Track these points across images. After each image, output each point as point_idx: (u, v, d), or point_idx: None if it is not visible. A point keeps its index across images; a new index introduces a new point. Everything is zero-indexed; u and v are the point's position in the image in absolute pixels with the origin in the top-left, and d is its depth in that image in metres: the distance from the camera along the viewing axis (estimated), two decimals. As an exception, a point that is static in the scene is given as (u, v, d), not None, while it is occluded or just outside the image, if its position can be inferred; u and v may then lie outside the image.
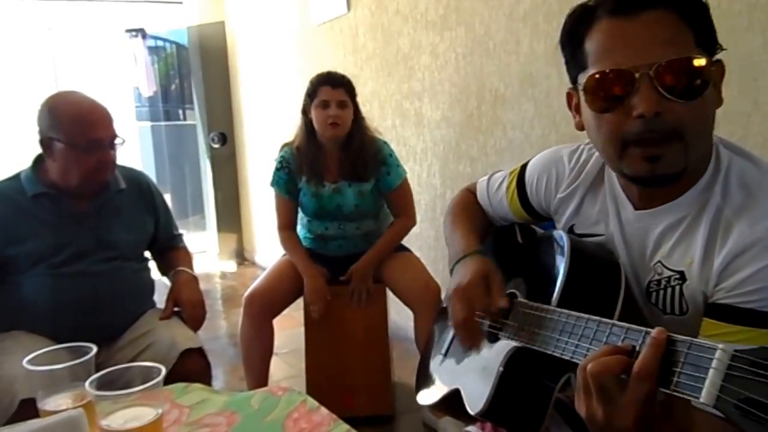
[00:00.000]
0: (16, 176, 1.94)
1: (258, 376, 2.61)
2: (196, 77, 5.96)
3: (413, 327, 2.57)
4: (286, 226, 2.73)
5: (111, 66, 5.80)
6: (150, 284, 2.13)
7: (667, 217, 0.99)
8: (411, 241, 2.79)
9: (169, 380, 1.31)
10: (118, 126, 1.95)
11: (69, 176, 1.88)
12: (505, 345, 1.08)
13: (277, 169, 2.67)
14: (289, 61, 4.76)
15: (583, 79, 0.96)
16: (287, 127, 3.53)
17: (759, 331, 0.84)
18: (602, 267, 1.05)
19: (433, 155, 3.34)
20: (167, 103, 8.40)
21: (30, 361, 1.05)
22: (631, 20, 0.90)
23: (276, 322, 2.64)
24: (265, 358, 2.63)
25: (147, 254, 2.16)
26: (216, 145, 5.87)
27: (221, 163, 5.98)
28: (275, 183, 2.69)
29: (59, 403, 1.01)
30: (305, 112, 2.62)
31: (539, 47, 2.54)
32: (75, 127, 1.84)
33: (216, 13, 5.80)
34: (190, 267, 2.21)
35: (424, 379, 1.39)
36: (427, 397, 1.31)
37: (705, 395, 0.64)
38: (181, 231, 2.33)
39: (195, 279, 2.17)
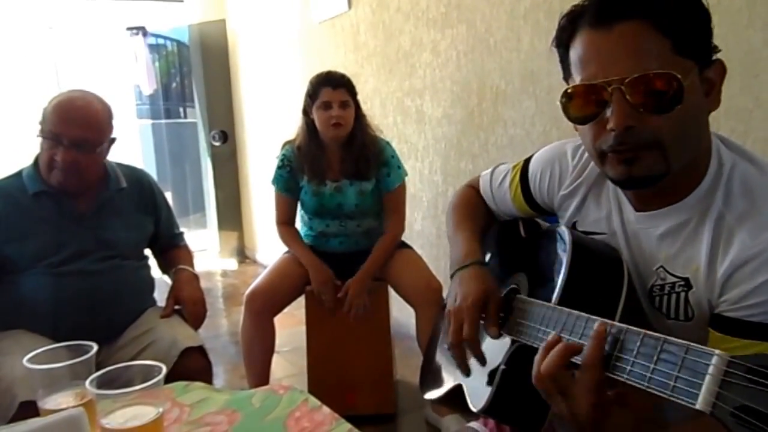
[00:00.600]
0: (18, 174, 1.94)
1: (259, 375, 2.61)
2: (196, 75, 5.96)
3: (415, 325, 2.56)
4: (285, 221, 2.74)
5: (112, 64, 5.80)
6: (150, 282, 2.12)
7: (667, 220, 0.98)
8: (413, 238, 2.79)
9: (170, 379, 1.31)
10: (105, 130, 1.92)
11: (42, 167, 1.88)
12: (507, 342, 1.07)
13: (279, 167, 2.67)
14: (290, 59, 4.75)
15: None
16: (288, 125, 3.52)
17: None
18: (605, 264, 1.04)
19: (435, 152, 3.34)
20: (168, 101, 8.41)
21: (30, 360, 1.04)
22: (607, 32, 0.90)
23: (277, 320, 2.63)
24: (267, 356, 2.63)
25: (147, 252, 2.16)
26: (217, 143, 5.87)
27: (222, 161, 5.97)
28: (275, 181, 2.69)
29: (59, 401, 1.00)
30: (306, 112, 2.62)
31: (540, 44, 2.53)
32: (50, 113, 1.85)
33: (217, 11, 5.79)
34: (191, 265, 2.21)
35: (427, 374, 1.39)
36: (431, 392, 1.31)
37: (701, 402, 0.65)
38: (182, 229, 2.33)
39: (196, 277, 2.17)
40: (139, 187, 2.09)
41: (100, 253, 1.92)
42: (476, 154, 3.02)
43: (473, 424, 1.27)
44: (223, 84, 5.89)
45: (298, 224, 2.81)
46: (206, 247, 6.04)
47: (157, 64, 7.09)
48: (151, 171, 2.14)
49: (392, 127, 3.58)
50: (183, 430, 1.12)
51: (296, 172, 2.65)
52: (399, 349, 2.95)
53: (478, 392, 1.07)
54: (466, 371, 1.16)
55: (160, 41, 7.88)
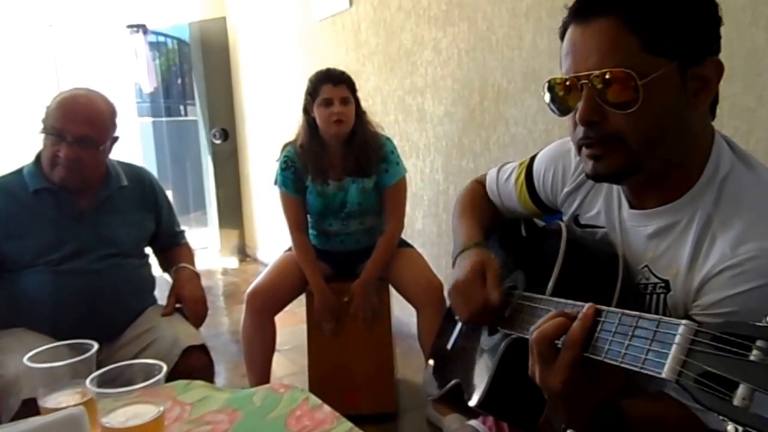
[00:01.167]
0: (19, 171, 1.95)
1: (260, 373, 2.61)
2: (197, 73, 5.96)
3: (416, 324, 2.56)
4: (300, 228, 2.68)
5: (112, 62, 5.79)
6: (151, 281, 2.12)
7: (656, 220, 0.99)
8: (414, 237, 2.79)
9: (171, 377, 1.31)
10: (108, 128, 1.93)
11: (44, 163, 1.89)
12: (502, 336, 1.07)
13: (283, 169, 2.64)
14: (291, 56, 4.75)
15: None
16: (289, 123, 3.51)
17: None
18: (600, 258, 1.05)
19: (436, 151, 3.33)
20: (168, 99, 8.41)
21: (30, 359, 1.04)
22: (584, 27, 0.92)
23: (278, 318, 2.63)
24: (267, 354, 2.63)
25: (148, 250, 2.16)
26: (217, 141, 5.87)
27: (223, 159, 5.97)
28: (282, 184, 2.65)
29: (60, 400, 1.01)
30: (307, 110, 2.61)
31: (542, 42, 2.53)
32: (53, 110, 1.85)
33: (217, 8, 5.79)
34: (192, 263, 2.21)
35: (429, 374, 1.40)
36: (432, 391, 1.32)
37: (667, 370, 0.65)
38: (182, 228, 2.33)
39: (197, 275, 2.16)
40: (140, 185, 2.09)
41: (101, 251, 1.92)
42: (478, 152, 3.01)
43: (472, 422, 1.27)
44: (223, 82, 5.89)
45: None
46: (207, 246, 6.05)
47: (157, 61, 7.09)
48: (152, 169, 2.13)
49: (393, 126, 3.58)
50: (184, 428, 1.12)
51: (301, 172, 2.63)
52: (400, 348, 2.95)
53: (474, 387, 1.08)
54: (492, 329, 1.16)
55: (161, 39, 7.89)
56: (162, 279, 2.23)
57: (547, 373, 0.81)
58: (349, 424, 1.11)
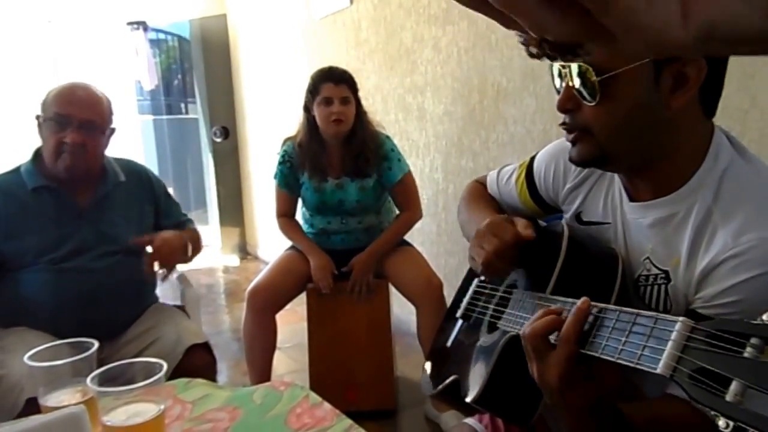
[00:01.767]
0: (16, 170, 1.95)
1: (261, 371, 2.62)
2: (198, 71, 5.96)
3: (415, 322, 2.57)
4: (284, 213, 2.76)
5: (112, 59, 5.78)
6: (152, 278, 2.12)
7: (655, 212, 1.00)
8: (413, 235, 2.79)
9: (175, 376, 1.32)
10: (108, 116, 1.95)
11: (46, 156, 1.90)
12: (501, 333, 1.08)
13: (280, 163, 2.68)
14: (292, 54, 4.75)
15: None
16: (289, 120, 3.52)
17: None
18: (599, 257, 1.06)
19: (436, 150, 3.34)
20: (169, 96, 8.40)
21: (31, 357, 1.05)
22: None
23: (279, 316, 2.64)
24: (268, 352, 2.64)
25: (149, 249, 2.16)
26: (218, 139, 5.87)
27: (223, 157, 5.97)
28: (275, 176, 2.71)
29: (61, 399, 1.01)
30: (307, 108, 2.61)
31: (542, 41, 2.53)
32: (52, 99, 1.87)
33: (218, 5, 5.79)
34: (194, 239, 2.14)
35: (427, 372, 1.40)
36: (431, 388, 1.32)
37: (662, 366, 0.66)
38: (189, 217, 2.29)
39: (182, 236, 2.06)
40: (136, 179, 2.09)
41: (101, 248, 1.92)
42: (477, 151, 3.02)
43: (469, 420, 1.28)
44: (224, 80, 5.89)
45: (300, 222, 2.81)
46: (208, 244, 6.01)
47: (158, 59, 7.08)
48: (153, 167, 2.13)
49: (394, 124, 3.58)
50: (184, 427, 1.13)
51: (297, 168, 2.65)
52: (399, 346, 2.96)
53: (472, 383, 1.08)
54: (492, 326, 1.16)
55: (161, 36, 7.87)
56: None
57: (543, 368, 0.82)
58: (349, 422, 1.12)
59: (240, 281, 5.18)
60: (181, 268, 2.54)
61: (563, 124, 1.01)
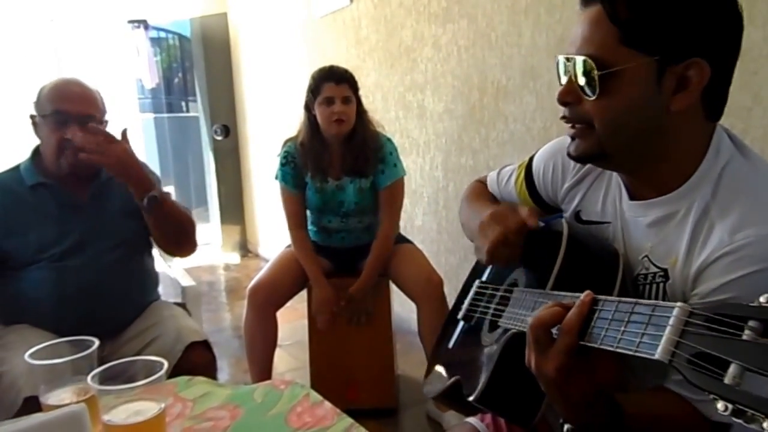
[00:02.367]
0: (16, 167, 1.95)
1: (262, 368, 2.62)
2: (198, 69, 5.96)
3: (416, 320, 2.57)
4: (298, 225, 2.69)
5: (113, 57, 5.77)
6: (154, 276, 2.13)
7: (655, 210, 1.00)
8: (414, 233, 2.79)
9: (175, 373, 1.32)
10: (103, 109, 1.94)
11: (47, 154, 1.90)
12: (502, 331, 1.08)
13: (283, 165, 2.65)
14: (292, 53, 4.75)
15: None
16: (290, 119, 3.52)
17: None
18: (599, 254, 1.06)
19: (436, 148, 3.34)
20: (170, 95, 8.40)
21: (32, 355, 1.05)
22: (581, 13, 0.97)
23: (280, 314, 2.64)
24: (269, 350, 2.64)
25: (150, 239, 2.15)
26: (219, 138, 5.87)
27: (224, 155, 5.98)
28: (282, 179, 2.66)
29: (62, 397, 1.01)
30: (308, 107, 2.60)
31: (541, 39, 2.53)
32: (47, 96, 1.87)
33: (219, 4, 5.79)
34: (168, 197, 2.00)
35: (430, 372, 1.40)
36: (432, 389, 1.32)
37: (660, 352, 0.65)
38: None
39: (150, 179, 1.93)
40: None
41: (103, 242, 1.92)
42: (477, 149, 3.02)
43: (471, 420, 1.28)
44: (224, 78, 5.89)
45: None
46: (209, 241, 6.05)
47: (158, 57, 7.07)
48: (154, 165, 2.13)
49: (394, 122, 3.58)
50: (185, 425, 1.13)
51: (300, 168, 2.64)
52: (400, 344, 2.96)
53: (474, 382, 1.08)
54: (513, 267, 1.17)
55: (162, 35, 7.85)
56: (165, 275, 2.24)
57: (542, 360, 0.82)
58: (350, 420, 1.12)
59: (241, 279, 5.19)
60: (182, 264, 2.55)
61: (563, 117, 1.01)
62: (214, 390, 1.26)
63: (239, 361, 3.29)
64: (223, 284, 5.17)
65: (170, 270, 2.50)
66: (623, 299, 0.76)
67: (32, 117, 1.90)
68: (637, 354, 0.69)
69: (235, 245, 6.13)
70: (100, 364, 1.01)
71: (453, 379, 1.20)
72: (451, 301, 1.43)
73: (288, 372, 3.18)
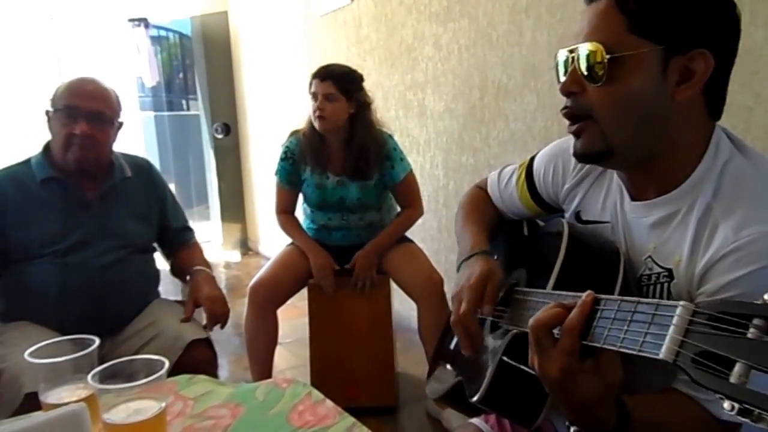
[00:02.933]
0: (27, 161, 1.97)
1: (262, 366, 2.63)
2: (199, 67, 5.96)
3: (416, 318, 2.58)
4: (284, 210, 2.77)
5: (114, 56, 5.77)
6: (155, 274, 2.13)
7: (657, 210, 1.00)
8: (414, 232, 2.79)
9: (175, 371, 1.32)
10: (116, 109, 1.97)
11: (56, 149, 1.91)
12: (504, 332, 1.08)
13: (282, 159, 2.68)
14: (293, 51, 4.75)
15: None
16: (290, 117, 3.52)
17: None
18: (600, 254, 1.05)
19: (436, 146, 3.34)
20: (170, 93, 8.38)
21: (32, 354, 1.05)
22: (587, 6, 0.98)
23: (280, 312, 2.65)
24: (270, 347, 2.65)
25: (153, 245, 2.16)
26: (219, 136, 5.87)
27: (225, 153, 5.98)
28: (277, 173, 2.71)
29: (62, 396, 1.01)
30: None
31: (542, 39, 2.53)
32: (62, 92, 1.89)
33: (219, 3, 5.78)
34: (207, 266, 2.19)
35: (432, 373, 1.40)
36: (435, 390, 1.32)
37: (664, 351, 0.65)
38: (191, 225, 2.31)
39: (213, 278, 2.14)
40: (143, 176, 2.10)
41: (107, 242, 1.93)
42: (477, 148, 3.02)
43: (475, 420, 1.27)
44: (225, 76, 5.89)
45: (301, 217, 2.82)
46: (209, 239, 6.05)
47: (159, 56, 7.06)
48: (154, 163, 2.14)
49: (394, 121, 3.58)
50: (186, 423, 1.13)
51: (299, 163, 2.65)
52: (400, 342, 2.96)
53: (476, 384, 1.08)
54: (469, 349, 1.16)
55: (162, 33, 7.84)
56: (166, 273, 2.24)
57: (545, 361, 0.81)
58: (352, 420, 1.12)
59: (241, 277, 5.19)
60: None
61: (565, 108, 1.00)
62: (215, 388, 1.26)
63: (239, 358, 3.29)
64: (224, 282, 5.17)
65: (179, 279, 2.49)
66: (625, 298, 0.76)
67: (47, 112, 1.92)
68: (641, 354, 0.69)
69: (235, 243, 6.13)
70: (100, 362, 1.01)
71: (455, 380, 1.20)
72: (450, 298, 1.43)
73: (288, 369, 3.18)
